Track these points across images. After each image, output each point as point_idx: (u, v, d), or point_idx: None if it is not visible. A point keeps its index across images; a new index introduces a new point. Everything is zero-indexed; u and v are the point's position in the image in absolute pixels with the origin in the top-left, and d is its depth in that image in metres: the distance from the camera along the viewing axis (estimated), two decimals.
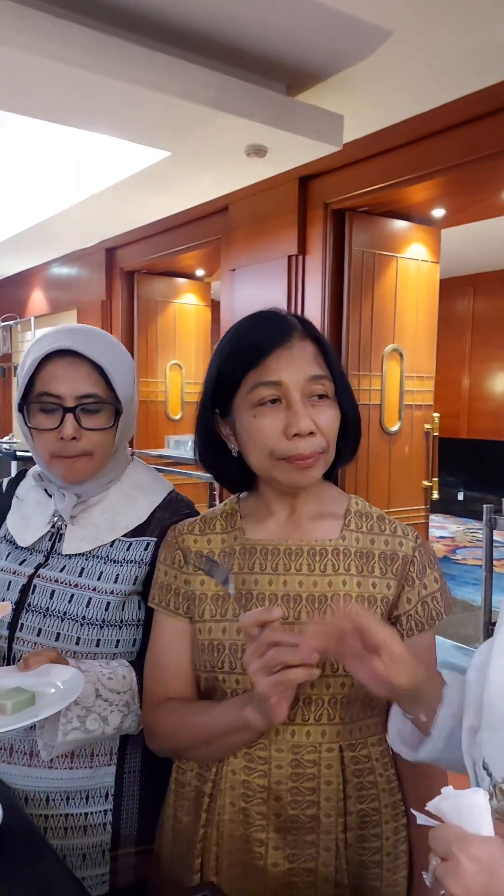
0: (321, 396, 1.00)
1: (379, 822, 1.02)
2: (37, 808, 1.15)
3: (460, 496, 8.75)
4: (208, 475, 4.35)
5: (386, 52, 3.00)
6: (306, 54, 3.05)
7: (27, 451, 6.71)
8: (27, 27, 2.57)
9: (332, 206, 4.27)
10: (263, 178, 4.16)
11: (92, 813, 1.17)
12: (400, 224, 4.51)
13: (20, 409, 1.16)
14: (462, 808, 0.61)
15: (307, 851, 0.98)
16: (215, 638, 1.03)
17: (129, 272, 6.48)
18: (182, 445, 5.10)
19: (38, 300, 8.01)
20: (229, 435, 1.07)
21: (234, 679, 1.02)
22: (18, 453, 6.55)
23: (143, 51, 2.84)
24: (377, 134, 3.82)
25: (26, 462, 6.29)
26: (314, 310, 4.25)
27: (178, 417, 6.81)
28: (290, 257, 4.49)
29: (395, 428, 4.67)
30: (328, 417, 1.00)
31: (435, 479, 4.90)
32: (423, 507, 4.88)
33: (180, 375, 6.79)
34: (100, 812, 1.17)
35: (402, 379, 4.64)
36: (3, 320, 7.84)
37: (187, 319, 6.83)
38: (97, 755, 1.17)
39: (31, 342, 1.23)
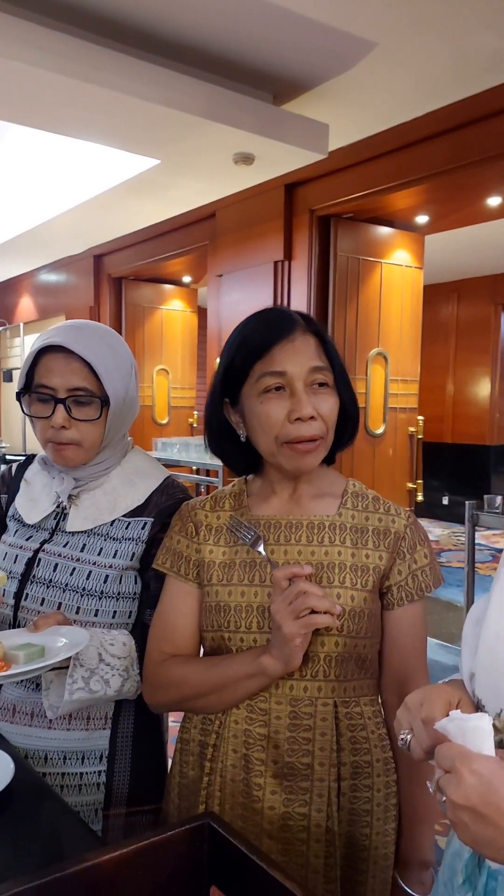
0: (321, 385, 1.09)
1: (371, 775, 1.10)
2: (35, 766, 1.23)
3: (445, 500, 8.87)
4: (194, 476, 4.37)
5: (370, 62, 3.10)
6: (293, 65, 3.15)
7: (15, 455, 6.72)
8: (19, 37, 2.64)
9: (318, 213, 4.36)
10: (250, 186, 4.25)
11: (87, 773, 1.25)
12: (384, 230, 4.62)
13: (18, 398, 1.25)
14: (467, 730, 0.68)
15: (301, 797, 1.06)
16: (222, 600, 1.11)
17: (116, 278, 6.55)
18: (169, 448, 5.16)
19: (26, 306, 8.05)
20: (239, 422, 1.16)
21: (239, 637, 1.10)
22: (8, 457, 6.57)
23: (133, 61, 2.92)
24: (362, 142, 3.93)
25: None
26: None
27: (164, 422, 6.87)
28: (276, 263, 4.58)
29: (379, 430, 4.76)
30: (328, 404, 1.09)
31: (419, 482, 4.99)
32: (408, 509, 4.97)
33: (167, 380, 6.86)
34: (94, 773, 1.25)
35: (387, 382, 4.73)
36: None
37: (174, 325, 6.90)
38: (93, 718, 1.25)
39: (33, 341, 1.31)
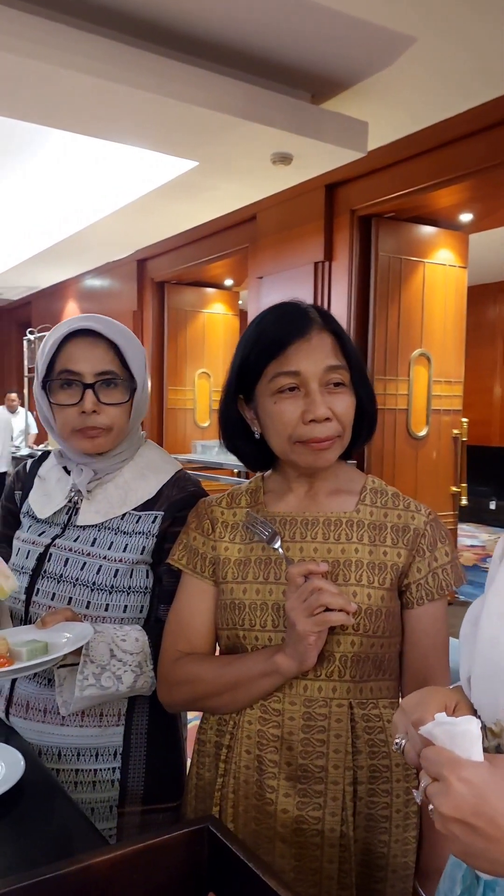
0: (337, 384, 1.06)
1: (389, 780, 1.05)
2: (49, 763, 1.22)
3: (492, 505, 8.65)
4: (234, 479, 4.36)
5: (410, 58, 3.05)
6: (331, 63, 3.12)
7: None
8: (58, 42, 2.67)
9: (359, 213, 4.32)
10: (289, 186, 4.22)
11: (101, 769, 1.23)
12: (427, 229, 4.54)
13: (43, 387, 1.24)
14: (455, 734, 0.64)
15: (315, 800, 1.02)
16: (237, 598, 1.09)
17: (159, 283, 6.61)
18: (208, 450, 5.16)
19: (72, 311, 8.19)
20: (253, 419, 1.14)
21: (254, 635, 1.06)
22: None
23: (170, 63, 2.93)
24: (402, 140, 3.87)
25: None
26: (340, 315, 4.30)
27: (205, 425, 6.89)
28: (316, 264, 4.55)
29: (422, 433, 4.67)
30: (344, 404, 1.06)
31: (463, 485, 4.87)
32: (452, 512, 4.86)
33: (208, 383, 6.88)
34: (108, 769, 1.23)
35: (430, 383, 4.65)
36: (39, 331, 8.03)
37: (216, 328, 6.92)
38: (106, 715, 1.23)
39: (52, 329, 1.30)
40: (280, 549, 1.06)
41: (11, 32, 2.58)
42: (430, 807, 0.61)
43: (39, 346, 1.31)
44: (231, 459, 5.15)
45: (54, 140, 4.05)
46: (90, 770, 1.23)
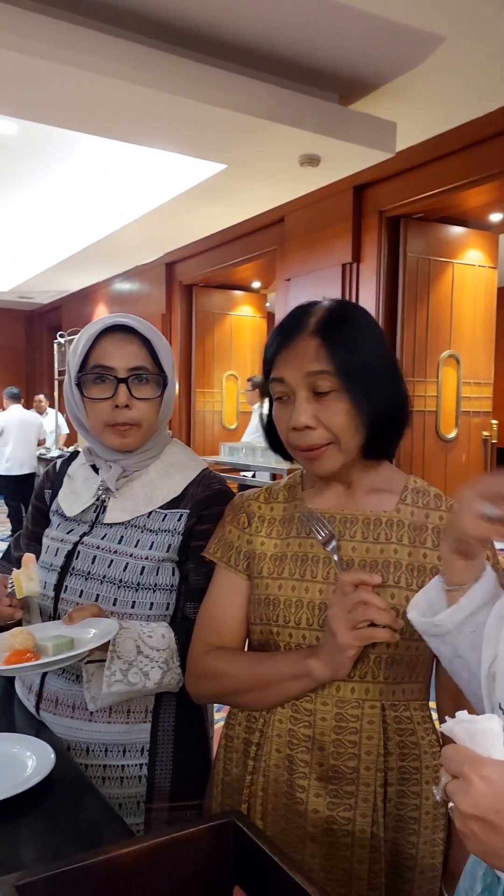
0: (323, 392, 1.02)
1: (419, 782, 1.04)
2: (77, 758, 1.23)
3: None
4: (263, 480, 4.36)
5: (438, 58, 3.03)
6: (359, 64, 3.11)
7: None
8: (89, 47, 2.71)
9: (387, 214, 4.30)
10: (317, 188, 4.22)
11: (128, 765, 1.24)
12: (456, 230, 4.50)
13: (77, 382, 1.25)
14: (475, 733, 0.63)
15: (346, 801, 1.01)
16: (272, 593, 1.08)
17: (187, 286, 6.65)
18: (236, 452, 5.17)
19: (101, 314, 8.28)
20: None
21: (288, 632, 1.05)
22: None
23: (197, 66, 2.96)
24: (431, 140, 3.84)
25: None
26: None
27: (233, 427, 6.90)
28: (344, 265, 4.54)
29: (451, 435, 4.62)
30: (330, 411, 1.01)
31: None
32: None
33: (236, 386, 6.90)
34: (136, 765, 1.24)
35: (459, 385, 4.60)
36: (70, 334, 8.12)
37: (243, 331, 6.94)
38: (133, 712, 1.24)
39: (83, 329, 1.32)
40: (335, 554, 1.04)
41: (44, 38, 2.62)
42: (450, 804, 0.61)
43: (70, 347, 1.33)
44: (258, 461, 5.17)
45: (84, 145, 4.10)
46: (118, 766, 1.24)
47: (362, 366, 1.02)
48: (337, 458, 1.05)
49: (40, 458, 7.71)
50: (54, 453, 7.65)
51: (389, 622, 0.94)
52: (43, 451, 7.88)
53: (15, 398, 7.76)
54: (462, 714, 0.64)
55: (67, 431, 8.55)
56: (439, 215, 4.36)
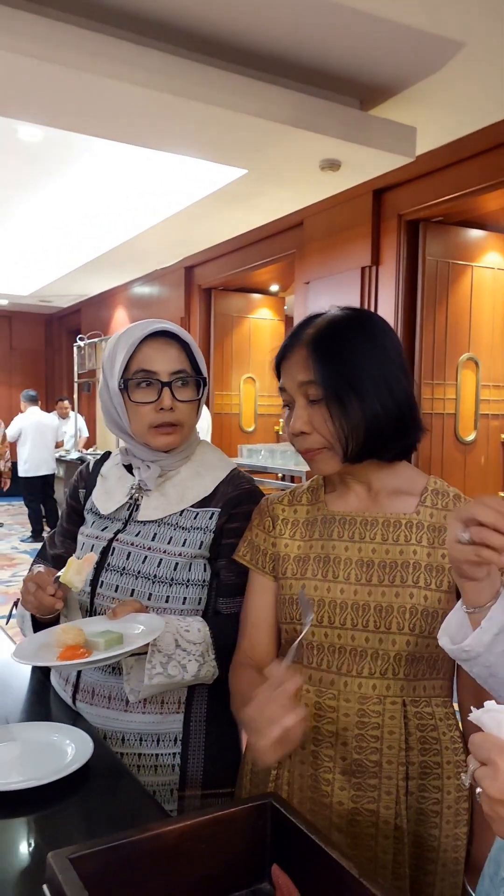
0: (312, 401, 1.08)
1: (440, 776, 1.07)
2: (113, 746, 1.27)
3: None
4: (279, 482, 4.38)
5: (458, 63, 3.05)
6: (379, 69, 3.14)
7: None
8: (110, 54, 2.76)
9: (406, 217, 4.32)
10: (337, 192, 4.25)
11: (162, 755, 1.29)
12: (475, 233, 4.51)
13: (124, 387, 1.30)
14: (502, 721, 0.66)
15: (370, 794, 1.05)
16: (296, 593, 1.13)
17: (206, 289, 6.70)
18: (254, 454, 5.21)
19: (120, 318, 8.36)
20: None
21: (311, 631, 1.10)
22: None
23: (219, 73, 3.00)
24: (451, 144, 3.86)
25: None
26: (387, 319, 4.29)
27: (251, 429, 6.94)
28: (363, 268, 4.56)
29: (470, 438, 4.63)
30: (318, 418, 1.07)
31: None
32: None
33: (254, 389, 6.94)
34: (169, 754, 1.29)
35: (478, 388, 4.61)
36: (89, 337, 8.21)
37: (261, 334, 6.98)
38: (167, 703, 1.29)
39: (117, 334, 1.36)
40: (305, 630, 1.02)
41: (68, 47, 2.68)
42: (478, 790, 0.64)
43: (106, 352, 1.37)
44: (277, 463, 5.20)
45: (105, 150, 4.16)
46: (152, 755, 1.28)
47: (350, 375, 1.05)
48: (333, 461, 1.10)
49: (59, 460, 7.80)
50: (73, 455, 7.73)
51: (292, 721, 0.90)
52: (62, 452, 7.96)
53: (32, 400, 7.85)
54: (490, 703, 0.68)
55: (87, 434, 8.64)
56: (458, 219, 4.38)
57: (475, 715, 0.68)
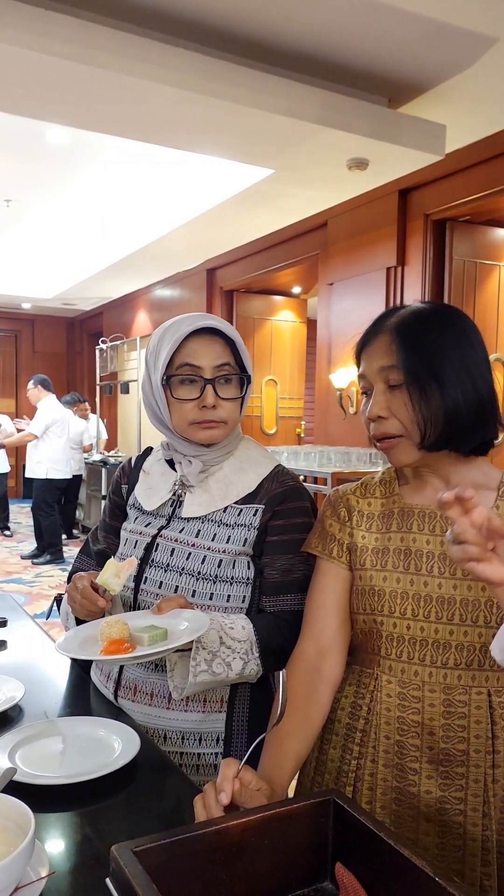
0: (393, 386, 1.09)
1: None
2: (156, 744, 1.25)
3: None
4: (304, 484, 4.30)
5: (490, 59, 3.02)
6: (409, 67, 3.12)
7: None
8: (138, 55, 2.76)
9: (433, 217, 4.29)
10: (363, 192, 4.23)
11: (204, 754, 1.27)
12: (503, 232, 4.47)
13: (167, 383, 1.28)
14: None
15: (458, 782, 1.05)
16: (376, 584, 1.12)
17: (228, 291, 6.70)
18: (278, 456, 5.19)
19: (142, 321, 8.38)
20: None
21: (392, 622, 1.09)
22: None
23: (249, 72, 3.00)
24: (480, 142, 3.83)
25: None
26: None
27: (272, 432, 6.92)
28: (388, 269, 4.54)
29: (499, 440, 4.58)
30: (396, 403, 1.07)
31: None
32: None
33: (275, 391, 6.92)
34: (211, 754, 1.27)
35: None
36: (111, 340, 8.24)
37: (283, 336, 6.96)
38: (209, 701, 1.25)
39: (163, 326, 1.34)
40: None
41: (96, 47, 2.68)
42: None
43: (149, 347, 1.36)
44: (300, 465, 5.17)
45: (130, 153, 4.17)
46: (194, 754, 1.26)
47: (432, 362, 1.06)
48: (410, 451, 1.09)
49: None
50: (96, 457, 7.74)
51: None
52: (86, 455, 7.95)
53: (48, 387, 6.71)
54: None
55: (107, 437, 8.66)
56: (486, 218, 4.34)
57: None
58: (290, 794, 1.33)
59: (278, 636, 1.23)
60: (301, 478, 5.04)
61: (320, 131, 3.23)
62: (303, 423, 7.20)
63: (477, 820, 1.05)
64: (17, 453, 9.71)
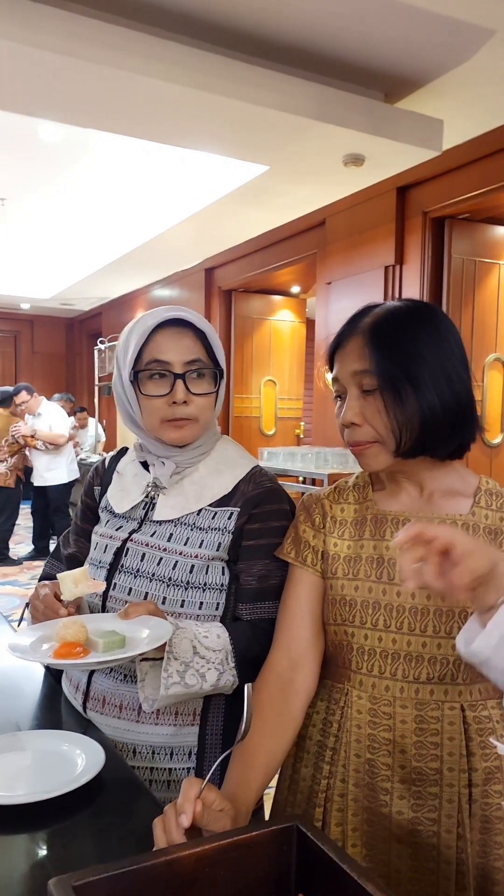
0: (366, 391, 1.04)
1: (501, 781, 1.02)
2: (124, 759, 1.18)
3: None
4: (300, 485, 4.31)
5: (488, 52, 2.96)
6: (405, 60, 3.06)
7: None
8: (130, 48, 2.71)
9: (431, 215, 4.23)
10: (361, 189, 4.18)
11: (176, 769, 1.20)
12: (502, 230, 4.41)
13: (135, 378, 1.22)
14: None
15: (431, 802, 1.01)
16: (347, 594, 1.08)
17: (226, 291, 6.65)
18: (274, 457, 5.13)
19: None
20: None
21: (364, 634, 1.05)
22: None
23: (242, 66, 2.94)
24: (479, 138, 3.77)
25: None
26: None
27: (271, 433, 6.86)
28: (386, 268, 4.47)
29: (496, 440, 4.52)
30: (370, 409, 1.03)
31: None
32: None
33: (274, 391, 6.86)
34: (183, 769, 1.20)
35: None
36: (109, 340, 8.20)
37: (282, 336, 6.90)
38: (181, 714, 1.20)
39: (132, 322, 1.29)
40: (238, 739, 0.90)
41: (87, 40, 2.63)
42: None
43: (119, 342, 1.30)
44: (297, 466, 5.11)
45: (124, 150, 4.12)
46: (165, 769, 1.20)
47: (407, 365, 1.01)
48: (382, 456, 1.05)
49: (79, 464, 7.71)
50: (94, 459, 7.69)
51: None
52: (83, 456, 7.90)
53: (31, 392, 6.70)
54: None
55: (104, 439, 8.61)
56: (485, 215, 4.28)
57: None
58: (267, 814, 1.28)
59: (255, 645, 1.17)
60: (300, 479, 4.97)
61: (315, 126, 3.17)
62: (302, 423, 7.14)
63: (451, 842, 1.00)
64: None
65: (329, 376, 1.13)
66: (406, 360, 1.01)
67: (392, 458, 1.04)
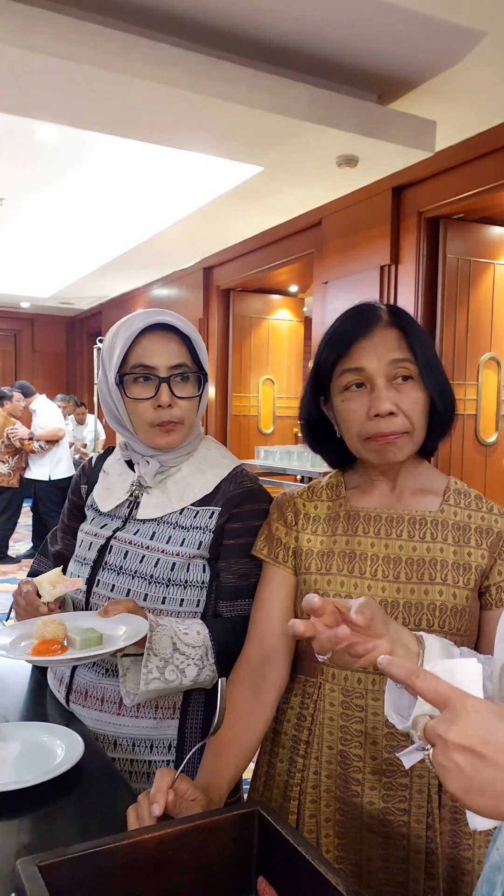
0: (405, 378, 1.06)
1: None
2: (105, 751, 1.22)
3: None
4: (297, 484, 4.35)
5: (479, 54, 2.98)
6: (397, 62, 3.08)
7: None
8: (123, 50, 2.73)
9: (426, 215, 4.24)
10: (355, 189, 4.20)
11: (156, 762, 1.24)
12: (497, 230, 4.42)
13: (120, 382, 1.25)
14: (456, 670, 0.61)
15: (401, 793, 1.03)
16: (320, 588, 1.10)
17: (224, 290, 6.67)
18: (271, 455, 5.16)
19: None
20: (334, 418, 1.15)
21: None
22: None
23: (234, 67, 2.96)
24: (472, 139, 3.78)
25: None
26: None
27: (269, 431, 6.89)
28: (382, 267, 4.49)
29: (491, 439, 4.54)
30: (410, 399, 1.06)
31: None
32: None
33: (272, 390, 6.88)
34: (163, 762, 1.24)
35: (500, 388, 4.51)
36: None
37: (280, 335, 6.92)
38: (161, 708, 1.24)
39: (117, 324, 1.31)
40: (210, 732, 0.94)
41: (81, 42, 2.66)
42: (427, 748, 0.58)
43: (108, 340, 1.32)
44: (294, 465, 5.14)
45: (121, 150, 4.15)
46: (144, 761, 1.24)
47: (432, 358, 1.09)
48: (409, 448, 1.08)
49: (76, 463, 7.74)
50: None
51: None
52: (80, 456, 7.92)
53: (27, 391, 6.88)
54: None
55: (104, 437, 8.64)
56: (480, 215, 4.30)
57: (428, 665, 0.63)
58: None
59: (234, 641, 1.20)
60: (298, 478, 5.00)
61: (308, 127, 3.19)
62: (301, 422, 7.15)
63: (421, 832, 1.02)
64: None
65: (338, 369, 1.11)
66: (431, 352, 1.09)
67: (414, 450, 1.08)
